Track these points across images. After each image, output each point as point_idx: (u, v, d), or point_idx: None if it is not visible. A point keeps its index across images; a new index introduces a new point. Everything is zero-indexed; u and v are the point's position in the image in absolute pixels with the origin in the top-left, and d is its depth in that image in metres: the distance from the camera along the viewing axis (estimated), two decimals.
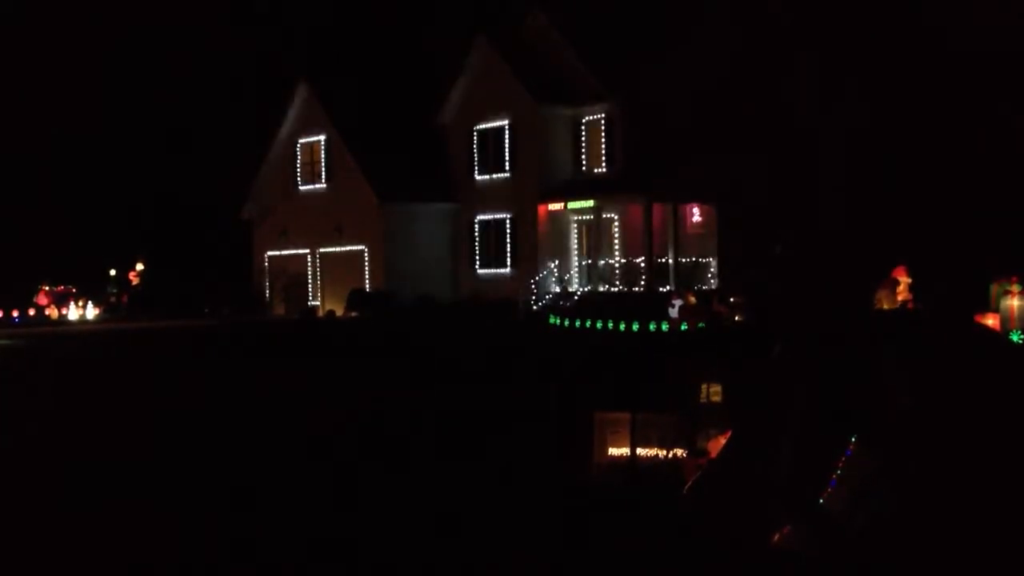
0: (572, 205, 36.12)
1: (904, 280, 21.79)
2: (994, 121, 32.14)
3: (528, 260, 36.99)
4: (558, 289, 35.63)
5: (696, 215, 35.87)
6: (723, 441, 7.50)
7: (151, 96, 50.64)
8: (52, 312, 40.77)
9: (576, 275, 36.73)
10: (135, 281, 43.16)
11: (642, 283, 33.94)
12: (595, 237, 35.91)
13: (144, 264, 43.52)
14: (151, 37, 51.03)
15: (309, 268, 41.55)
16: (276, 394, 17.50)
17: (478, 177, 38.72)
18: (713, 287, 32.75)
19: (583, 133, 36.75)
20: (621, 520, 8.58)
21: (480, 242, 38.87)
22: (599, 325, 27.25)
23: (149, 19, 51.02)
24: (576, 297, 34.06)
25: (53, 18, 51.87)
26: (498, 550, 8.13)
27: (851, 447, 5.60)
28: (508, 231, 37.86)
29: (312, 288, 41.33)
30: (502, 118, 37.65)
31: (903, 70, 33.23)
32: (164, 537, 8.65)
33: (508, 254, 37.90)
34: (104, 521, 9.16)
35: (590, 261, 36.21)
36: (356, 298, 37.83)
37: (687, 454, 9.18)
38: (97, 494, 10.23)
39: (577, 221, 37.00)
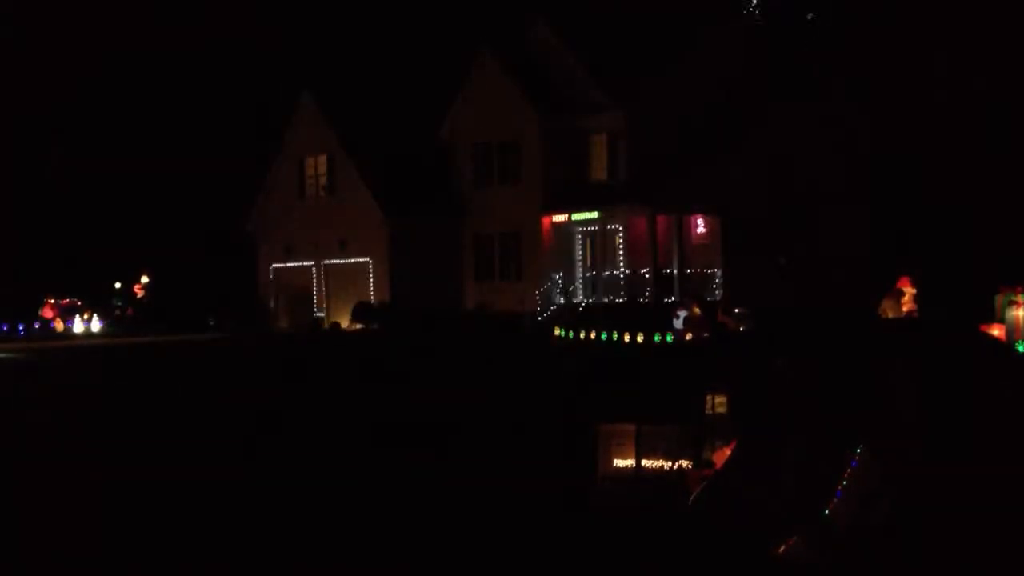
0: (576, 216, 36.10)
1: (908, 291, 21.85)
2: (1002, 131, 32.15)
3: (533, 272, 36.95)
4: (563, 301, 35.59)
5: (701, 226, 35.82)
6: (728, 452, 7.50)
7: (155, 109, 50.68)
8: (58, 325, 40.76)
9: (581, 286, 36.68)
10: (140, 294, 43.15)
11: (647, 294, 33.90)
12: (599, 248, 35.87)
13: (149, 278, 43.51)
14: (154, 49, 51.09)
15: (314, 281, 41.53)
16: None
17: (482, 189, 38.68)
18: (718, 298, 32.71)
19: (587, 144, 36.71)
20: (627, 531, 8.56)
21: (485, 254, 38.81)
22: (604, 337, 27.20)
23: (152, 28, 51.10)
24: (581, 309, 34.04)
25: (56, 27, 51.90)
26: (502, 561, 8.12)
27: (856, 458, 5.60)
28: (513, 243, 37.80)
29: (317, 301, 41.31)
30: (505, 130, 37.61)
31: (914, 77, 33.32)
32: None
33: (513, 266, 37.84)
34: None
35: (595, 272, 36.16)
36: (361, 311, 37.82)
37: (692, 465, 9.16)
38: None
39: (581, 232, 36.97)
